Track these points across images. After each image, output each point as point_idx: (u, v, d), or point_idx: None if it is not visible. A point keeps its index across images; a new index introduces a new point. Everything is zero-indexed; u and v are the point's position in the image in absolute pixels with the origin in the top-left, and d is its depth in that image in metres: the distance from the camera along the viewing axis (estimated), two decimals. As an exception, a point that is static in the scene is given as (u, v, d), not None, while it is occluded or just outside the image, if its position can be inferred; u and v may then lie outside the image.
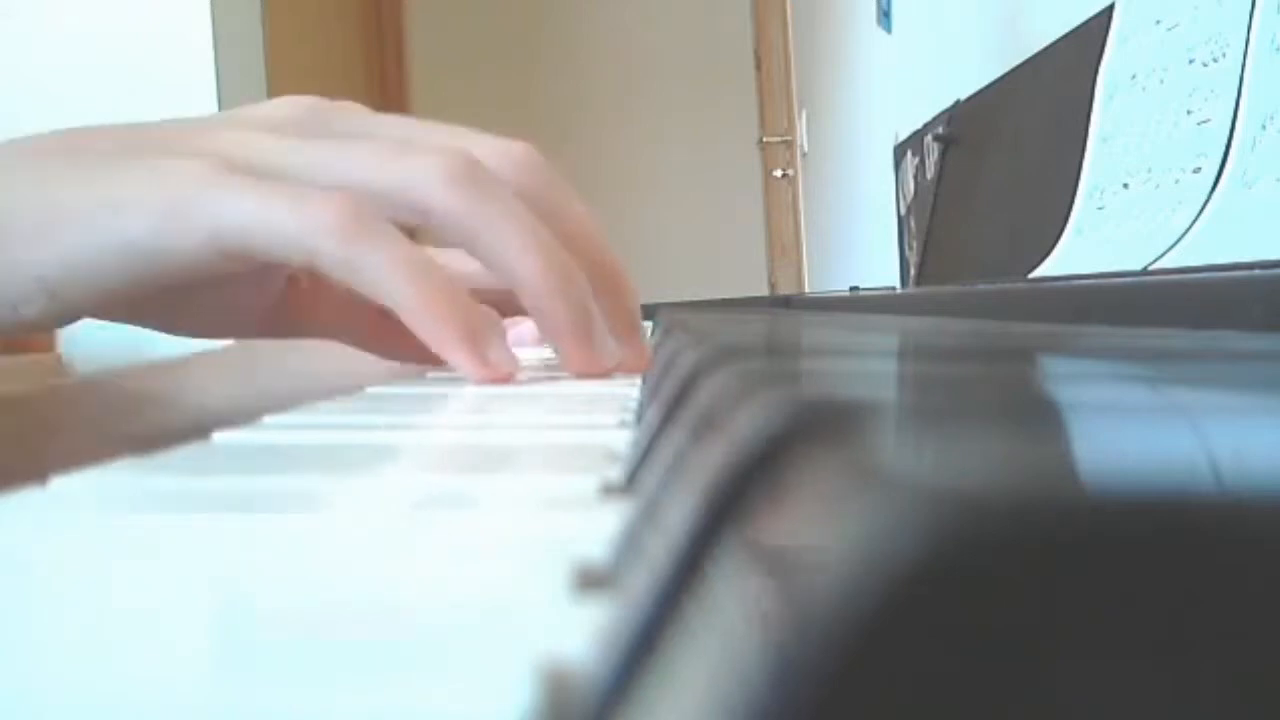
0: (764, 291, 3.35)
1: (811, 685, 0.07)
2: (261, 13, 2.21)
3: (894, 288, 1.61)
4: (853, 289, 1.69)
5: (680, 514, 0.11)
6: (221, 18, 2.05)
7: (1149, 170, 0.69)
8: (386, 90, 3.56)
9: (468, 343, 0.36)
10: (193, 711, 0.09)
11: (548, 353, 0.41)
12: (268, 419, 0.29)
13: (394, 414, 0.34)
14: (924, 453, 0.10)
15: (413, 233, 0.39)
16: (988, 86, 1.18)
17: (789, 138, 3.44)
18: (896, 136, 1.66)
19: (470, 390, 0.37)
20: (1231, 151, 0.59)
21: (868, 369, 0.26)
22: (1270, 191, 0.55)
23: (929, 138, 1.39)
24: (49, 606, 0.13)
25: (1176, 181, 0.64)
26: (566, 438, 0.26)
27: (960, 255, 1.19)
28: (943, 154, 1.31)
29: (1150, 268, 0.61)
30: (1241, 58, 0.60)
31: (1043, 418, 0.15)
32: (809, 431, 0.11)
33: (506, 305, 0.41)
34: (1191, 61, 0.66)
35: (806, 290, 3.04)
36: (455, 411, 0.34)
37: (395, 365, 0.48)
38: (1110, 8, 0.80)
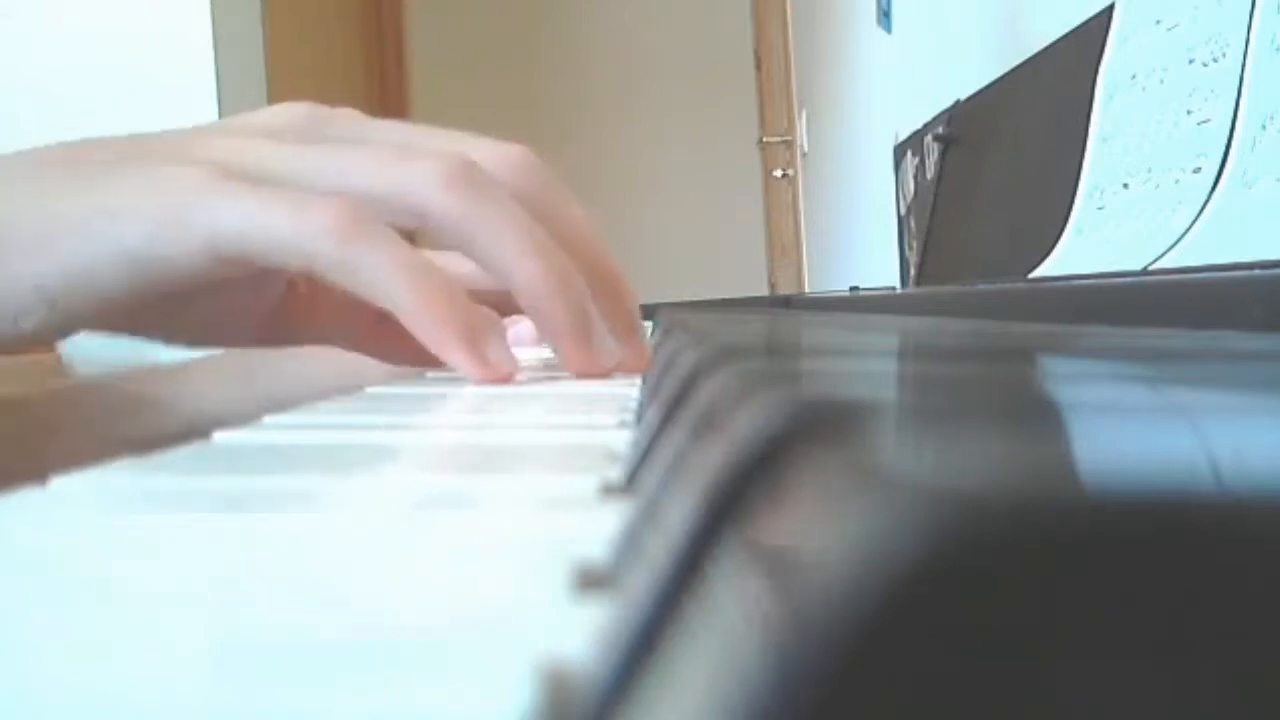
0: (764, 291, 3.35)
1: (811, 685, 0.07)
2: (261, 13, 2.21)
3: (894, 288, 1.61)
4: (853, 289, 1.69)
5: (680, 514, 0.11)
6: (221, 18, 2.05)
7: (1149, 170, 0.69)
8: (386, 90, 3.56)
9: (467, 343, 0.36)
10: (193, 711, 0.09)
11: (547, 353, 0.41)
12: (268, 419, 0.29)
13: (394, 414, 0.34)
14: (924, 453, 0.10)
15: (411, 237, 0.39)
16: (988, 86, 1.18)
17: (789, 138, 3.44)
18: (896, 136, 1.66)
19: (470, 390, 0.37)
20: (1231, 151, 0.59)
21: (867, 369, 0.26)
22: (1270, 191, 0.55)
23: (929, 138, 1.39)
24: (49, 606, 0.13)
25: (1176, 181, 0.64)
26: (566, 438, 0.26)
27: (960, 255, 1.19)
28: (943, 154, 1.31)
29: (1150, 268, 0.61)
30: (1241, 58, 0.60)
31: (1043, 418, 0.15)
32: (809, 431, 0.11)
33: (504, 306, 0.41)
34: (1191, 61, 0.66)
35: (806, 290, 3.04)
36: (455, 411, 0.34)
37: (393, 369, 0.48)
38: (1110, 8, 0.80)
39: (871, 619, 0.07)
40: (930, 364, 0.29)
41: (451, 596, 0.13)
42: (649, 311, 0.84)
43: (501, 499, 0.19)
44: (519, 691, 0.09)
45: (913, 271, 1.43)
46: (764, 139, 3.55)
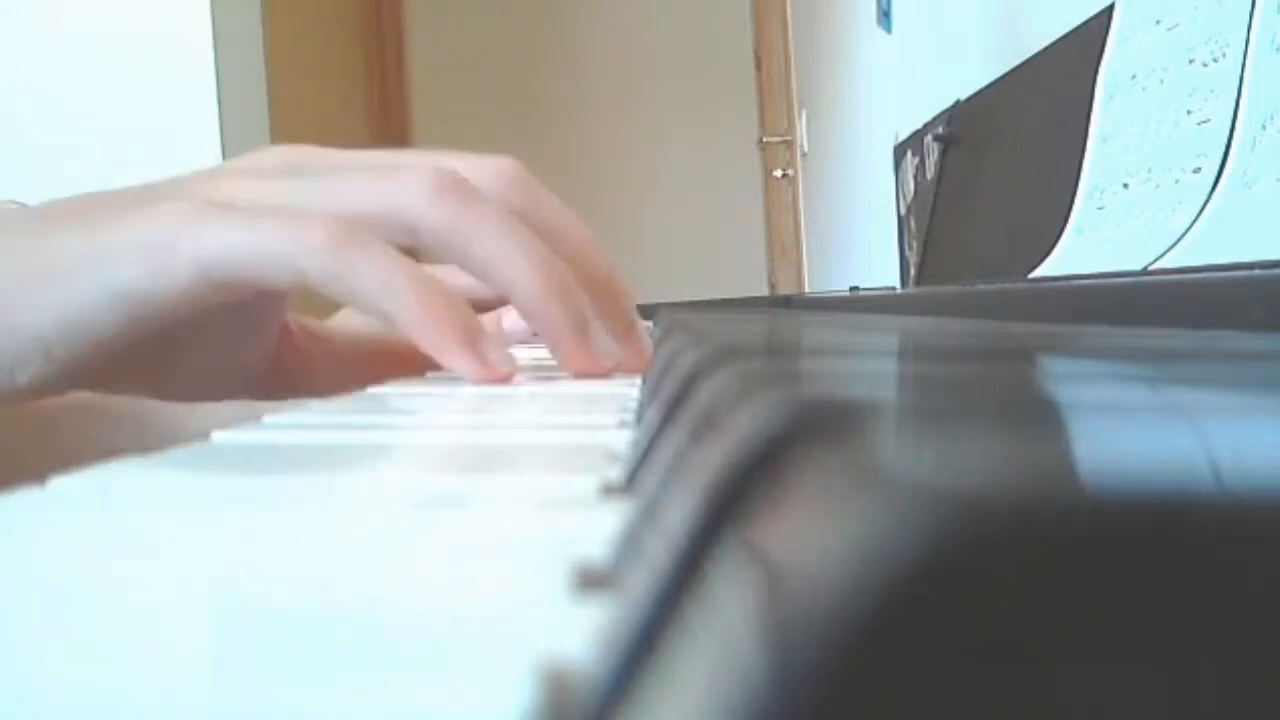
0: (764, 291, 3.35)
1: (811, 685, 0.07)
2: (261, 13, 2.21)
3: (894, 288, 1.61)
4: (853, 289, 1.69)
5: (680, 514, 0.11)
6: (221, 18, 2.05)
7: (1149, 170, 0.69)
8: (386, 90, 3.56)
9: (466, 344, 0.36)
10: (193, 711, 0.09)
11: (545, 352, 0.41)
12: (268, 419, 0.29)
13: (394, 414, 0.34)
14: (924, 453, 0.10)
15: (410, 255, 0.39)
16: (988, 86, 1.18)
17: (789, 138, 3.45)
18: (896, 136, 1.66)
19: (470, 390, 0.37)
20: (1231, 151, 0.59)
21: (867, 369, 0.26)
22: (1270, 191, 0.55)
23: (929, 138, 1.39)
24: (49, 606, 0.13)
25: (1176, 181, 0.64)
26: (566, 438, 0.26)
27: (960, 255, 1.19)
28: (943, 154, 1.31)
29: (1150, 268, 0.61)
30: (1241, 58, 0.60)
31: (1043, 418, 0.15)
32: (809, 431, 0.11)
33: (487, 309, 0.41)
34: (1191, 61, 0.66)
35: (806, 290, 3.04)
36: (455, 411, 0.34)
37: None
38: (1110, 8, 0.81)
39: (871, 619, 0.07)
40: (930, 364, 0.29)
41: (451, 596, 0.13)
42: (649, 311, 0.84)
43: (501, 499, 0.19)
44: (519, 691, 0.09)
45: (913, 271, 1.43)
46: (764, 139, 3.55)
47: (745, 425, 0.11)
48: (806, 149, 3.23)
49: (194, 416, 0.47)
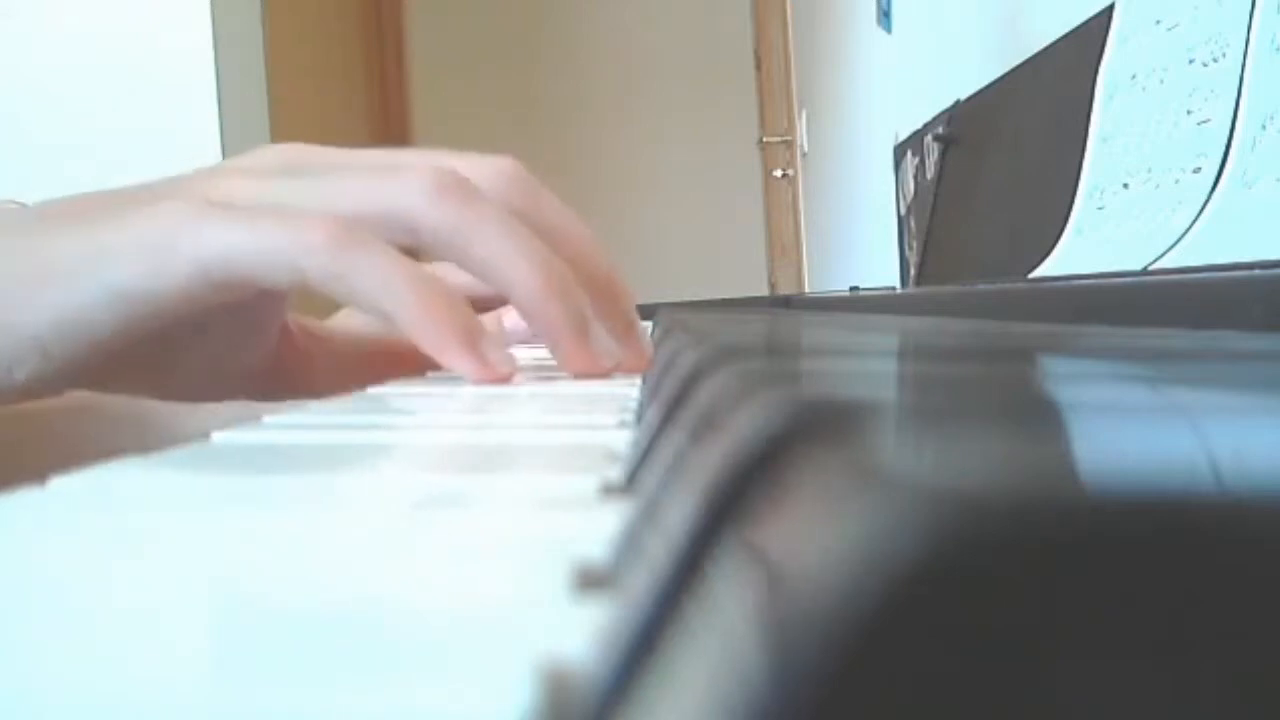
0: (764, 291, 3.35)
1: (811, 685, 0.07)
2: (261, 13, 2.21)
3: (894, 288, 1.61)
4: (853, 289, 1.69)
5: (680, 514, 0.11)
6: (221, 18, 2.05)
7: (1149, 170, 0.69)
8: (386, 90, 3.56)
9: (466, 344, 0.36)
10: (192, 711, 0.09)
11: (545, 352, 0.41)
12: (268, 419, 0.29)
13: (394, 414, 0.34)
14: (924, 453, 0.10)
15: (410, 255, 0.39)
16: (988, 86, 1.18)
17: (789, 138, 3.45)
18: (896, 136, 1.66)
19: (470, 390, 0.37)
20: (1231, 151, 0.59)
21: (867, 369, 0.26)
22: (1270, 191, 0.55)
23: (929, 138, 1.39)
24: (49, 606, 0.13)
25: (1176, 181, 0.64)
26: (566, 438, 0.26)
27: (960, 255, 1.19)
28: (943, 154, 1.31)
29: (1150, 268, 0.61)
30: (1241, 58, 0.60)
31: (1043, 418, 0.15)
32: (809, 431, 0.11)
33: (488, 308, 0.41)
34: (1191, 61, 0.66)
35: (806, 290, 3.04)
36: (455, 411, 0.34)
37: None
38: (1110, 8, 0.81)
39: (871, 619, 0.07)
40: (930, 364, 0.29)
41: (451, 596, 0.13)
42: (649, 311, 0.84)
43: (501, 499, 0.19)
44: (519, 691, 0.09)
45: (913, 271, 1.43)
46: (764, 139, 3.55)
47: (745, 425, 0.11)
48: (806, 149, 3.23)
49: (195, 417, 0.47)
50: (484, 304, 0.41)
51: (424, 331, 0.36)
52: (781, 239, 3.55)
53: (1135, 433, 0.13)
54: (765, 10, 3.54)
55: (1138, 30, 0.75)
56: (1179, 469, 0.10)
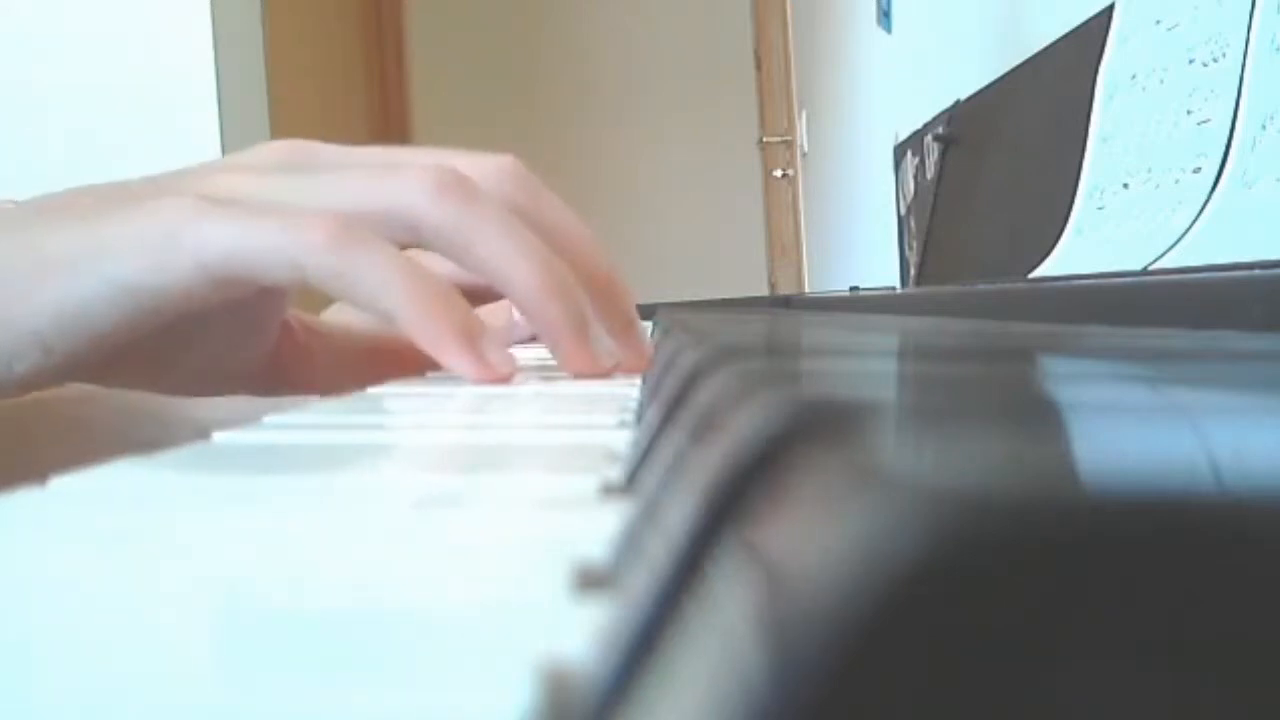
0: (764, 291, 3.35)
1: (811, 685, 0.07)
2: (261, 13, 2.21)
3: (894, 288, 1.61)
4: (853, 289, 1.69)
5: (680, 514, 0.11)
6: (221, 18, 2.05)
7: (1149, 170, 0.69)
8: (386, 90, 3.56)
9: (466, 344, 0.36)
10: (193, 711, 0.09)
11: (545, 352, 0.41)
12: (268, 419, 0.29)
13: (394, 414, 0.34)
14: (924, 453, 0.10)
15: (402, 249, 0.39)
16: (988, 86, 1.18)
17: (789, 138, 3.45)
18: (896, 136, 1.66)
19: (470, 390, 0.37)
20: (1231, 151, 0.59)
21: (867, 369, 0.26)
22: (1270, 191, 0.55)
23: (929, 138, 1.39)
24: (50, 606, 0.13)
25: (1176, 181, 0.64)
26: (566, 438, 0.26)
27: (960, 255, 1.19)
28: (943, 154, 1.31)
29: (1150, 268, 0.61)
30: (1241, 58, 0.60)
31: (1043, 418, 0.15)
32: (809, 431, 0.11)
33: (486, 300, 0.41)
34: (1191, 61, 0.66)
35: (806, 290, 3.04)
36: (455, 411, 0.34)
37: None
38: (1110, 8, 0.81)
39: (871, 619, 0.07)
40: (930, 364, 0.29)
41: (452, 596, 0.13)
42: (649, 311, 0.84)
43: (501, 499, 0.19)
44: (519, 691, 0.09)
45: (913, 271, 1.43)
46: (764, 139, 3.55)
47: (745, 425, 0.11)
48: (806, 149, 3.23)
49: (198, 411, 0.47)
50: (475, 293, 0.41)
51: (423, 331, 0.36)
52: (781, 239, 3.55)
53: (1135, 433, 0.13)
54: (765, 10, 3.54)
55: (1138, 30, 0.75)
56: (1179, 469, 0.10)
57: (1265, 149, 0.56)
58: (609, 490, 0.18)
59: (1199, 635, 0.07)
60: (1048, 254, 0.79)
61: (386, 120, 3.52)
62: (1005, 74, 1.11)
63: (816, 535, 0.08)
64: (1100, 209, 0.75)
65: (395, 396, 0.38)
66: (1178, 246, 0.60)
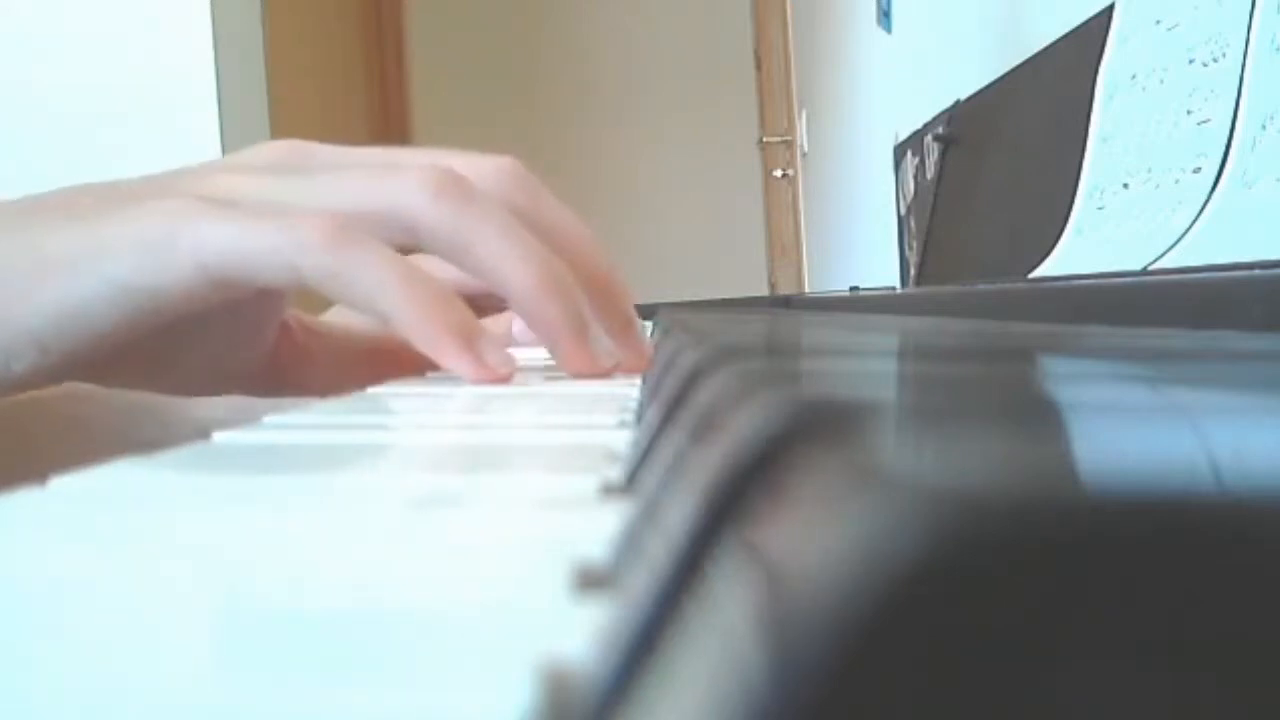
0: (764, 291, 3.35)
1: (811, 685, 0.07)
2: (261, 13, 2.21)
3: (894, 288, 1.61)
4: (853, 289, 1.69)
5: (680, 514, 0.11)
6: (221, 18, 2.05)
7: (1149, 170, 0.69)
8: (386, 90, 3.56)
9: (464, 345, 0.36)
10: (192, 711, 0.09)
11: (545, 353, 0.41)
12: (268, 419, 0.29)
13: (394, 414, 0.34)
14: (924, 453, 0.10)
15: (403, 253, 0.39)
16: (988, 86, 1.18)
17: (789, 138, 3.45)
18: (896, 136, 1.66)
19: (469, 390, 0.37)
20: (1231, 151, 0.59)
21: (867, 369, 0.26)
22: (1270, 191, 0.55)
23: (929, 138, 1.39)
24: (50, 606, 0.13)
25: (1176, 181, 0.64)
26: (566, 438, 0.26)
27: (960, 255, 1.19)
28: (943, 154, 1.31)
29: (1150, 268, 0.61)
30: (1241, 58, 0.60)
31: (1042, 418, 0.15)
32: (809, 431, 0.11)
33: (487, 309, 0.41)
34: (1191, 61, 0.66)
35: (806, 290, 3.04)
36: (455, 411, 0.34)
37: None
38: (1110, 8, 0.81)
39: (871, 619, 0.07)
40: (930, 364, 0.29)
41: (452, 596, 0.13)
42: (649, 311, 0.84)
43: (501, 499, 0.19)
44: (519, 691, 0.09)
45: (913, 271, 1.43)
46: (764, 139, 3.55)
47: (745, 425, 0.11)
48: (806, 149, 3.23)
49: (198, 411, 0.47)
50: (477, 303, 0.41)
51: (420, 332, 0.36)
52: (781, 239, 3.55)
53: (1135, 433, 0.13)
54: (765, 10, 3.54)
55: (1138, 30, 0.75)
56: (1179, 469, 0.10)
57: (1265, 149, 0.56)
58: (609, 490, 0.18)
59: (1199, 635, 0.07)
60: (1048, 254, 0.79)
61: (386, 120, 3.52)
62: (1005, 74, 1.11)
63: (816, 535, 0.08)
64: (1100, 209, 0.75)
65: (395, 396, 0.38)
66: (1178, 246, 0.60)
